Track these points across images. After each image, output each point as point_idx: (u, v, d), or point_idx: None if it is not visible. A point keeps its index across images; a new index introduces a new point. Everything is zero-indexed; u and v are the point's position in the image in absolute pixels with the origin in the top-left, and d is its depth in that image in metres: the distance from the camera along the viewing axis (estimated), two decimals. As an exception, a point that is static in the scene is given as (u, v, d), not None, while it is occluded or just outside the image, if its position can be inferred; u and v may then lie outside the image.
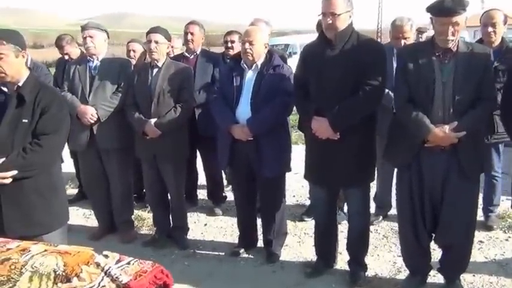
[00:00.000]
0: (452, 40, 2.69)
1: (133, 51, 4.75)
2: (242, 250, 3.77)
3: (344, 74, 2.93)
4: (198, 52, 4.51)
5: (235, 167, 3.56)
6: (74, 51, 4.79)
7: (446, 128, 2.67)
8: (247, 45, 3.39)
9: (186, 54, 4.50)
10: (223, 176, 4.94)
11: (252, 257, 3.74)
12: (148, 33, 3.71)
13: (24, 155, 2.38)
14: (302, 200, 5.00)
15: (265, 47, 3.48)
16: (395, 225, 4.16)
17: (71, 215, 4.16)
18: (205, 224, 4.45)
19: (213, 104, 3.57)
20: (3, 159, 2.36)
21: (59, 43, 4.74)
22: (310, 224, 4.34)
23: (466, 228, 2.89)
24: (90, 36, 3.81)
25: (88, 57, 3.89)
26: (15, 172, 2.36)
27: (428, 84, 2.73)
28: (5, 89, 2.49)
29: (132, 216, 4.27)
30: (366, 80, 2.90)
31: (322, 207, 3.30)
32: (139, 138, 3.77)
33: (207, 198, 4.96)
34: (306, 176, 3.34)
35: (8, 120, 2.41)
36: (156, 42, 3.64)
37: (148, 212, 4.64)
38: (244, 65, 3.47)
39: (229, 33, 5.05)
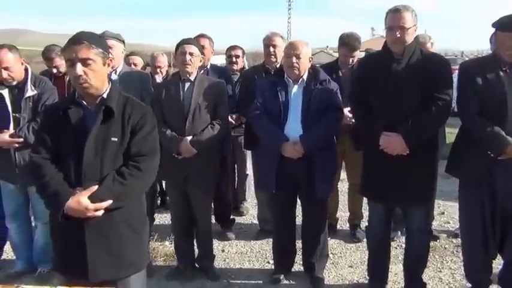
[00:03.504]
0: None
1: (135, 64, 4.36)
2: (282, 276, 3.53)
3: (413, 88, 2.87)
4: (208, 67, 4.24)
5: (279, 188, 3.32)
6: (63, 64, 4.26)
7: None
8: (294, 59, 3.22)
9: (196, 68, 4.20)
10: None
11: (293, 283, 3.52)
12: (181, 44, 3.38)
13: (123, 181, 1.98)
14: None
15: (310, 61, 3.34)
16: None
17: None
18: (223, 250, 4.13)
19: (256, 120, 3.33)
20: (96, 186, 1.96)
21: (47, 55, 4.18)
22: (332, 243, 4.22)
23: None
24: (109, 47, 3.39)
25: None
26: (110, 202, 1.97)
27: (501, 98, 2.75)
28: (84, 102, 2.08)
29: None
30: (436, 95, 2.87)
31: (379, 226, 3.19)
32: (167, 158, 3.39)
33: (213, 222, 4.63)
34: (364, 193, 3.22)
35: (94, 138, 2.00)
36: (191, 54, 3.33)
37: (155, 241, 4.22)
38: (289, 79, 3.30)
39: (233, 48, 4.88)
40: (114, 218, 2.02)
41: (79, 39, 1.99)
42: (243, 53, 4.89)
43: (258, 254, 4.04)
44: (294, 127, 3.21)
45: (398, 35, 2.86)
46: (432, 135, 2.97)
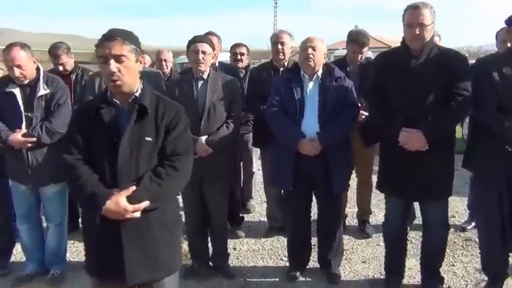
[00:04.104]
0: None
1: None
2: (298, 273, 3.53)
3: (433, 84, 2.88)
4: (216, 64, 4.21)
5: (296, 186, 3.30)
6: (70, 62, 4.21)
7: None
8: (309, 51, 3.22)
9: (203, 66, 4.17)
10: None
11: (310, 280, 3.51)
12: (193, 42, 3.34)
13: (160, 181, 1.95)
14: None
15: (324, 57, 3.34)
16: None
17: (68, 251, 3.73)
18: (234, 248, 4.11)
19: (273, 117, 3.31)
20: (133, 187, 1.93)
21: (54, 52, 4.11)
22: (343, 239, 4.22)
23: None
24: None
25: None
26: (147, 203, 1.94)
27: None
28: (116, 101, 2.04)
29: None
30: (455, 90, 2.88)
31: (397, 221, 3.21)
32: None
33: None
34: (381, 188, 3.22)
35: (129, 138, 1.96)
36: (204, 52, 3.30)
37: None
38: (305, 75, 3.29)
39: (238, 45, 4.86)
40: (150, 219, 1.99)
41: (112, 35, 1.94)
42: (248, 50, 4.87)
43: (270, 252, 4.04)
44: (310, 124, 3.21)
45: (418, 32, 2.87)
46: (451, 130, 3.00)
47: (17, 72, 3.10)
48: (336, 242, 3.47)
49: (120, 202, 1.88)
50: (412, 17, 2.89)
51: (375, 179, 4.36)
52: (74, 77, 4.17)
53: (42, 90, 3.19)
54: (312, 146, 3.16)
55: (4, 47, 3.18)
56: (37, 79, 3.21)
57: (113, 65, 1.92)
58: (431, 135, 2.87)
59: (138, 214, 1.92)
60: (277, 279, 3.54)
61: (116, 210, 1.88)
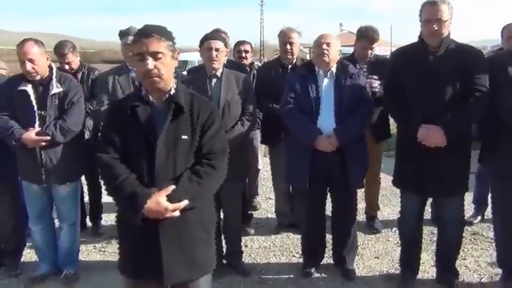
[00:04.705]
0: None
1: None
2: (313, 270, 3.54)
3: (451, 80, 2.89)
4: (225, 62, 4.18)
5: (312, 183, 3.30)
6: (76, 61, 4.15)
7: None
8: (324, 46, 3.23)
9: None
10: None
11: (325, 276, 3.52)
12: (206, 39, 3.33)
13: (200, 180, 1.94)
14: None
15: (339, 54, 3.35)
16: (434, 230, 4.25)
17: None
18: (246, 246, 4.09)
19: (288, 114, 3.30)
20: (172, 186, 1.91)
21: (60, 51, 4.04)
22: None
23: None
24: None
25: (130, 67, 3.39)
26: (186, 202, 1.92)
27: None
28: (151, 99, 2.01)
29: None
30: (473, 86, 2.90)
31: (413, 217, 3.23)
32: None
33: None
34: (398, 184, 3.24)
35: (165, 137, 1.94)
36: (217, 50, 3.29)
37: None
38: (320, 71, 3.30)
39: (242, 43, 4.84)
40: (187, 218, 1.97)
41: (149, 32, 1.91)
42: (252, 47, 4.86)
43: (281, 248, 4.04)
44: (327, 121, 3.21)
45: (436, 28, 2.87)
46: (470, 126, 3.03)
47: (28, 66, 3.06)
48: (350, 238, 3.49)
49: (160, 201, 1.86)
50: (430, 13, 2.90)
51: (381, 175, 4.45)
52: (80, 76, 4.11)
53: (56, 89, 3.14)
54: (329, 142, 3.17)
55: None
56: (50, 77, 3.16)
57: (151, 63, 1.89)
58: (451, 131, 2.88)
59: (177, 213, 1.91)
60: (292, 275, 3.55)
61: (157, 210, 1.86)
